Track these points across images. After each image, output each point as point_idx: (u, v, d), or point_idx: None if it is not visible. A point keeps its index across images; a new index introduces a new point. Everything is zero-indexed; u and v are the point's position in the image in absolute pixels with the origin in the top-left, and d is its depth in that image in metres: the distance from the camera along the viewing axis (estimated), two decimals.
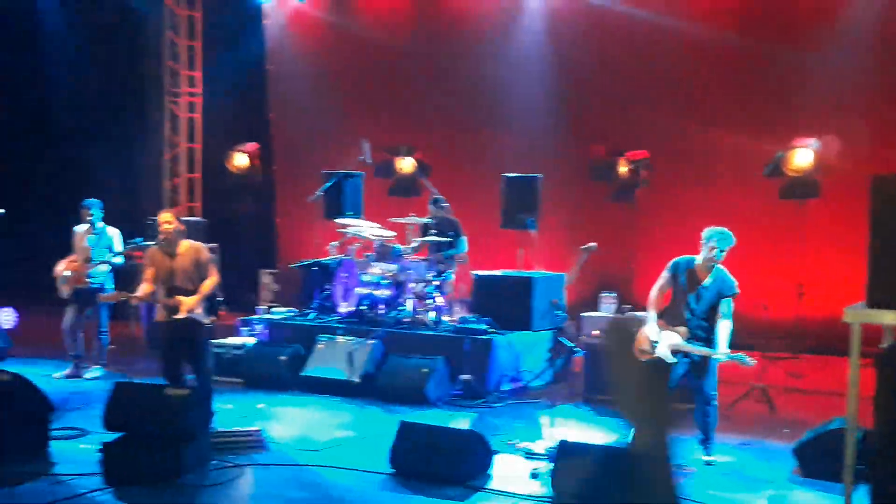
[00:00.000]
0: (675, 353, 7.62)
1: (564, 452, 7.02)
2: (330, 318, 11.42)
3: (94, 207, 10.83)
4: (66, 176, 15.84)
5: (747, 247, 12.12)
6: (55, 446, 7.83)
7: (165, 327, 8.43)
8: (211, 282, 8.42)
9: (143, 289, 8.44)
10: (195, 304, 8.34)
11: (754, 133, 12.47)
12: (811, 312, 11.72)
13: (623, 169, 12.92)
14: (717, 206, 12.33)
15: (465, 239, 11.82)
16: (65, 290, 10.67)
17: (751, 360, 7.48)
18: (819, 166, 11.72)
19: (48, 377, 10.42)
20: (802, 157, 11.75)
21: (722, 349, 7.51)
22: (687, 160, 13.10)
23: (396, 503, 6.91)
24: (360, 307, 11.25)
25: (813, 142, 11.70)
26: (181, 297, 8.33)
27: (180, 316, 8.34)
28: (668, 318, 7.74)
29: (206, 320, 8.44)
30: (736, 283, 7.65)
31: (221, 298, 8.65)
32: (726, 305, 7.59)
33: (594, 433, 8.61)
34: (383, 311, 11.12)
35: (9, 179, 15.70)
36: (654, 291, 7.88)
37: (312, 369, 10.58)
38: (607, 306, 10.84)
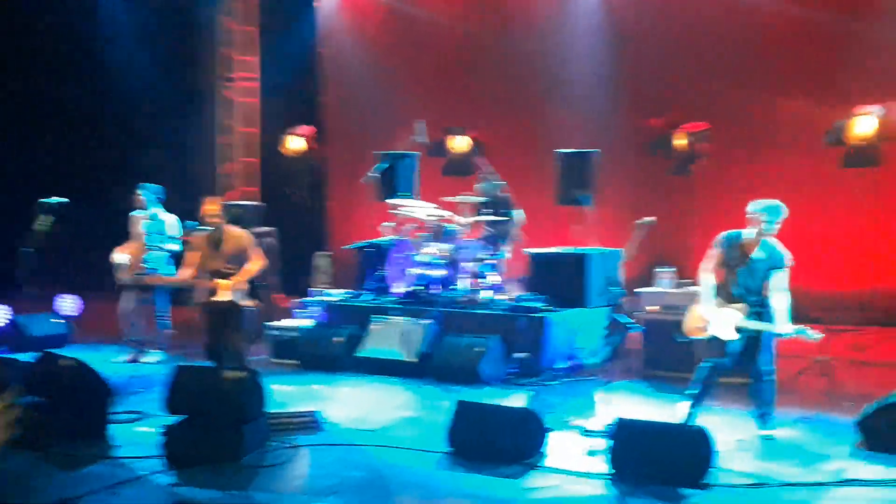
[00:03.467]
0: (738, 330, 7.50)
1: (622, 429, 6.95)
2: (385, 299, 11.44)
3: (148, 192, 10.96)
4: (123, 162, 16.07)
5: (808, 217, 12.02)
6: (116, 429, 7.95)
7: (207, 309, 8.61)
8: (253, 266, 8.54)
9: (184, 273, 8.64)
10: (233, 286, 8.46)
11: (814, 102, 12.21)
12: (874, 284, 11.46)
13: (680, 142, 12.72)
14: (776, 177, 12.14)
15: (518, 211, 11.68)
16: (123, 277, 10.83)
17: (815, 334, 7.33)
18: (882, 134, 11.43)
19: (109, 362, 10.59)
20: (864, 124, 11.48)
21: (783, 324, 7.37)
22: (746, 131, 12.87)
23: (453, 482, 6.90)
24: (415, 287, 11.25)
25: (875, 109, 11.41)
26: (219, 280, 8.48)
27: (218, 298, 8.50)
28: (721, 294, 7.63)
29: (245, 303, 8.56)
30: (788, 255, 7.49)
31: (265, 284, 8.77)
32: (779, 279, 7.43)
33: (652, 410, 8.52)
34: (438, 291, 11.12)
35: (67, 167, 15.98)
36: (703, 268, 7.75)
37: (368, 350, 10.62)
38: (664, 282, 10.70)
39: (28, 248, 9.71)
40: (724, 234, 7.70)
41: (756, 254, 7.51)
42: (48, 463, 7.10)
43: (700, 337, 7.75)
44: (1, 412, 2.91)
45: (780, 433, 7.75)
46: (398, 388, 9.77)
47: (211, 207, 8.72)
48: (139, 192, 10.95)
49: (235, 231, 8.77)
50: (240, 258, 8.59)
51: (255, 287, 8.67)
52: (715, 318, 7.57)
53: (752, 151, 12.80)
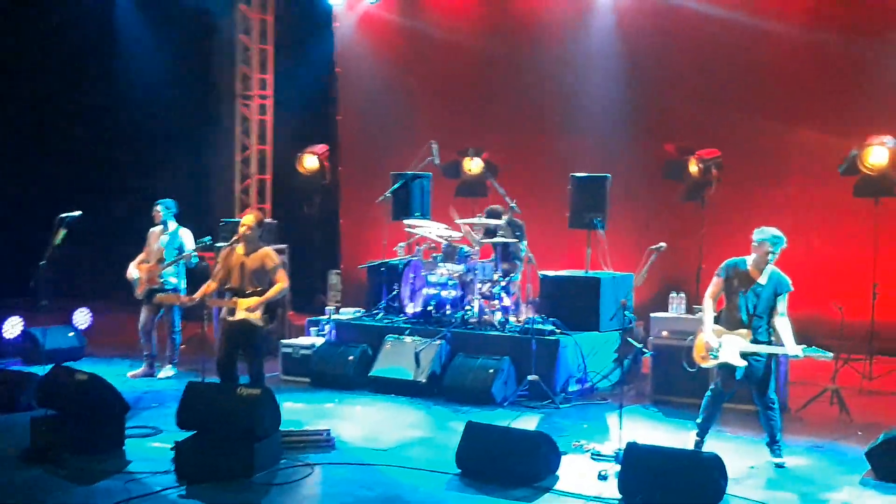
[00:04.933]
0: (744, 356, 7.56)
1: (633, 454, 6.97)
2: (397, 319, 11.48)
3: (165, 206, 11.04)
4: (140, 177, 16.16)
5: (821, 246, 12.05)
6: (130, 444, 8.01)
7: (224, 326, 8.64)
8: (276, 288, 8.55)
9: (205, 288, 8.66)
10: (254, 306, 8.47)
11: (828, 130, 12.23)
12: (886, 313, 11.45)
13: (694, 168, 12.75)
14: (789, 204, 12.17)
15: (525, 244, 11.73)
16: (139, 292, 10.91)
17: (827, 353, 7.41)
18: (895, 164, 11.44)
19: (122, 376, 10.66)
20: (878, 154, 11.47)
21: (793, 346, 7.43)
22: (759, 158, 12.88)
23: (463, 503, 6.93)
24: (427, 308, 11.29)
25: (889, 139, 11.42)
26: (238, 299, 8.49)
27: (235, 318, 8.51)
28: (725, 321, 7.71)
29: (262, 324, 8.55)
30: (790, 281, 7.65)
31: (281, 308, 8.76)
32: (783, 303, 7.58)
33: (662, 435, 8.54)
34: (450, 312, 11.15)
35: (83, 181, 16.08)
36: (707, 296, 7.86)
37: (380, 369, 10.66)
38: (675, 307, 10.72)
39: (44, 261, 9.78)
40: (727, 261, 7.83)
41: (761, 279, 7.62)
42: (62, 477, 7.15)
43: (707, 365, 7.80)
44: None
45: (790, 461, 7.77)
46: (409, 408, 9.81)
47: (247, 219, 8.71)
48: (157, 206, 11.03)
49: (264, 251, 8.73)
50: (264, 277, 8.57)
51: (274, 309, 8.68)
52: (721, 345, 7.63)
53: (764, 178, 12.81)
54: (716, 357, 7.65)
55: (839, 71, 12.42)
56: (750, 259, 7.69)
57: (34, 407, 8.58)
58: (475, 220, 11.59)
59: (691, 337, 8.06)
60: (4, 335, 12.03)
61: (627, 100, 13.55)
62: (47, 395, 8.13)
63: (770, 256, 7.59)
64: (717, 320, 7.76)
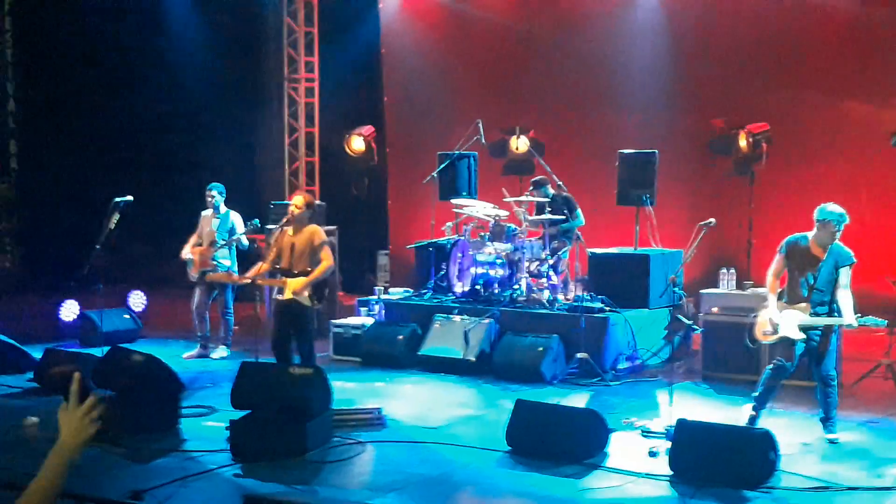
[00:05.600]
0: (802, 329, 7.50)
1: (683, 431, 6.96)
2: (446, 298, 11.53)
3: (217, 190, 11.17)
4: (190, 162, 16.36)
5: (873, 220, 11.86)
6: (185, 424, 8.15)
7: (275, 306, 8.78)
8: (322, 267, 8.64)
9: (257, 268, 8.80)
10: (301, 286, 8.57)
11: (878, 102, 12.06)
12: None
13: (743, 143, 12.62)
14: (838, 178, 12.01)
15: (580, 212, 11.71)
16: (192, 273, 11.07)
17: (882, 321, 7.35)
18: None
19: (177, 357, 10.83)
20: None
21: (849, 318, 7.35)
22: (809, 132, 12.73)
23: (513, 480, 6.97)
24: (476, 287, 11.32)
25: None
26: (287, 279, 8.59)
27: (284, 297, 8.63)
28: (787, 297, 7.64)
29: (310, 303, 8.65)
30: (852, 253, 7.54)
31: (329, 288, 8.85)
32: (845, 275, 7.48)
33: (712, 411, 8.50)
34: (498, 291, 11.17)
35: (134, 166, 16.33)
36: (770, 274, 7.81)
37: (429, 348, 10.72)
38: (727, 283, 10.64)
39: (99, 245, 9.97)
40: (788, 238, 7.73)
41: (822, 255, 7.52)
42: (119, 456, 7.30)
43: (769, 342, 7.74)
44: (86, 412, 3.04)
45: (844, 437, 7.69)
46: (459, 387, 9.86)
47: (297, 200, 8.83)
48: (213, 192, 11.16)
49: (311, 229, 8.84)
50: (312, 256, 8.68)
51: (321, 288, 8.77)
52: (782, 320, 7.57)
53: (813, 153, 12.66)
54: (776, 332, 7.59)
55: (886, 43, 12.19)
56: (811, 235, 7.58)
57: (91, 388, 8.76)
58: (524, 199, 11.59)
59: (755, 314, 7.99)
60: (62, 318, 12.30)
61: (673, 75, 13.43)
62: (104, 376, 8.30)
63: (836, 235, 7.50)
64: (780, 297, 7.69)
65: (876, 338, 9.82)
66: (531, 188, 11.79)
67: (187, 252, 11.05)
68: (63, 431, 3.06)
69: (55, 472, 3.02)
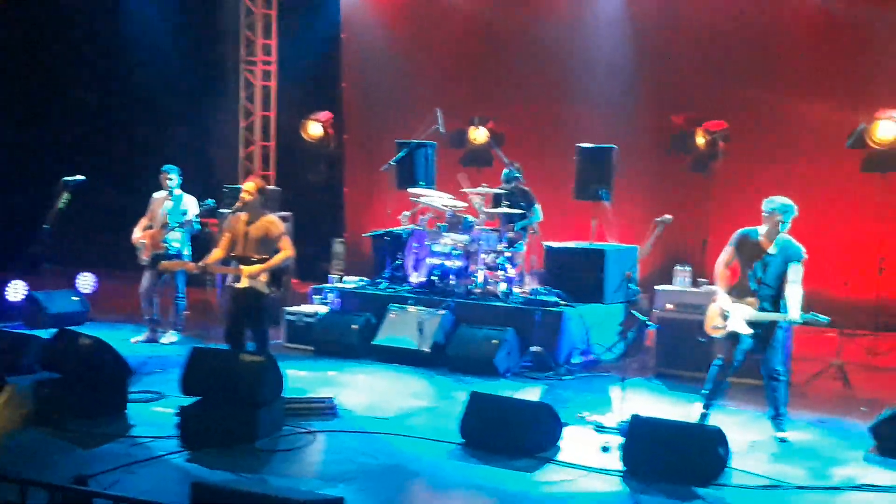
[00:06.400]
0: (750, 324, 7.55)
1: (636, 427, 6.97)
2: (401, 288, 11.46)
3: (174, 172, 10.99)
4: (143, 143, 16.10)
5: (827, 220, 11.97)
6: (133, 409, 8.01)
7: (229, 294, 8.65)
8: (280, 256, 8.53)
9: (212, 255, 8.68)
10: (256, 273, 8.45)
11: (836, 104, 12.14)
12: (892, 289, 11.42)
13: (701, 140, 12.68)
14: (795, 177, 12.09)
15: (538, 208, 11.70)
16: (143, 256, 10.88)
17: (824, 318, 7.35)
18: None
19: (126, 341, 10.65)
20: (886, 128, 11.43)
21: (794, 313, 7.40)
22: (766, 131, 12.80)
23: (465, 472, 6.93)
24: (431, 277, 11.27)
25: None
26: (243, 266, 8.47)
27: (240, 285, 8.51)
28: (736, 292, 7.69)
29: (267, 290, 8.54)
30: (803, 249, 7.60)
31: (287, 276, 8.73)
32: (795, 272, 7.53)
33: (666, 407, 8.53)
34: (454, 282, 11.12)
35: (86, 147, 16.04)
36: (718, 265, 7.88)
37: (383, 338, 10.65)
38: (681, 280, 10.69)
39: (48, 225, 9.76)
40: (739, 231, 7.82)
41: (771, 249, 7.59)
42: (65, 440, 7.15)
43: (717, 336, 7.78)
44: (5, 403, 2.94)
45: (794, 435, 7.76)
46: (412, 377, 9.80)
47: (248, 186, 8.68)
48: (170, 174, 10.96)
49: (268, 219, 8.70)
50: (269, 244, 8.55)
51: (279, 275, 8.65)
52: (729, 314, 7.62)
53: (771, 151, 12.73)
54: (726, 321, 7.64)
55: (848, 44, 12.29)
56: (761, 229, 7.67)
57: (37, 370, 8.57)
58: (481, 190, 11.54)
59: (704, 307, 8.03)
60: (8, 298, 12.04)
61: (635, 70, 13.44)
62: (51, 359, 8.13)
63: (781, 226, 7.56)
64: (729, 291, 7.73)
65: (827, 339, 9.94)
66: (503, 182, 11.70)
67: (137, 235, 10.86)
68: None
69: None
